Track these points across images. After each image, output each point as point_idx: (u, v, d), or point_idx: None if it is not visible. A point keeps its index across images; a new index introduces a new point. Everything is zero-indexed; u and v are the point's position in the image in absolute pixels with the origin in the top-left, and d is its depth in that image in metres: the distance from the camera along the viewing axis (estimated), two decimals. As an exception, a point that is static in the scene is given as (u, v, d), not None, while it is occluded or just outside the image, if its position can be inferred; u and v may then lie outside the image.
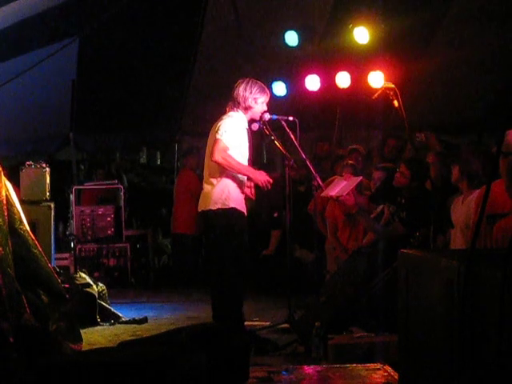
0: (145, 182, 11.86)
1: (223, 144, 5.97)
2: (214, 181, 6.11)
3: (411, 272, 3.66)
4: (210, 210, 6.07)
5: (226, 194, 6.07)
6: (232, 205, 6.08)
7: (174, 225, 10.44)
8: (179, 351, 2.99)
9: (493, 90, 9.50)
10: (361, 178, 7.45)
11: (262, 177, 6.19)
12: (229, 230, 6.07)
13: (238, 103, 6.19)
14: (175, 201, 10.47)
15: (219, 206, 6.05)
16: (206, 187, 6.16)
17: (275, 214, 9.46)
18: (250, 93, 6.19)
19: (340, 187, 7.13)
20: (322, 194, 7.28)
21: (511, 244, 2.72)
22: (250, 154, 6.35)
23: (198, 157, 10.00)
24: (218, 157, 5.94)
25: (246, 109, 6.21)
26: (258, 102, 6.24)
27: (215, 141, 5.99)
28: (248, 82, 6.23)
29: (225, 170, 6.06)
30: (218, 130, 6.03)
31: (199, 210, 6.22)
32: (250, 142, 6.34)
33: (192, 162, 10.36)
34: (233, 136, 6.06)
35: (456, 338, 3.06)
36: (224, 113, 6.28)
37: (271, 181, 6.25)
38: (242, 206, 6.19)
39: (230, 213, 6.08)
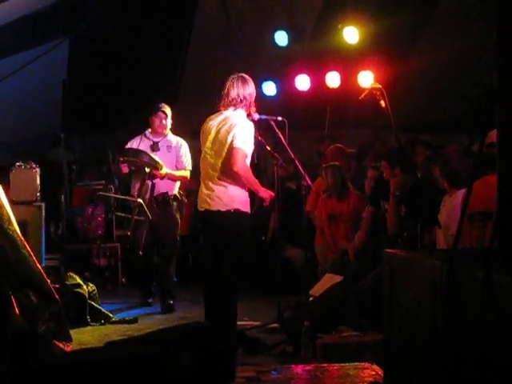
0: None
1: (244, 153, 5.86)
2: (225, 183, 5.93)
3: (395, 271, 3.69)
4: (223, 210, 5.87)
5: (242, 197, 5.94)
6: (244, 209, 5.95)
7: None
8: (163, 350, 3.01)
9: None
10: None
11: (267, 193, 6.14)
12: (243, 232, 5.95)
13: (240, 101, 6.00)
14: None
15: (235, 207, 5.88)
16: (218, 188, 5.92)
17: (263, 238, 9.44)
18: (249, 90, 6.02)
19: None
20: None
21: (491, 243, 2.75)
22: None
23: None
24: (239, 167, 5.82)
25: (247, 107, 6.06)
26: (253, 98, 6.13)
27: (235, 149, 5.83)
28: (244, 79, 6.03)
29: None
30: (235, 136, 5.85)
31: (204, 209, 5.97)
32: None
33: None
34: (250, 145, 5.95)
35: (439, 337, 3.09)
36: (219, 110, 6.08)
37: (273, 195, 6.24)
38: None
39: (244, 216, 5.95)
